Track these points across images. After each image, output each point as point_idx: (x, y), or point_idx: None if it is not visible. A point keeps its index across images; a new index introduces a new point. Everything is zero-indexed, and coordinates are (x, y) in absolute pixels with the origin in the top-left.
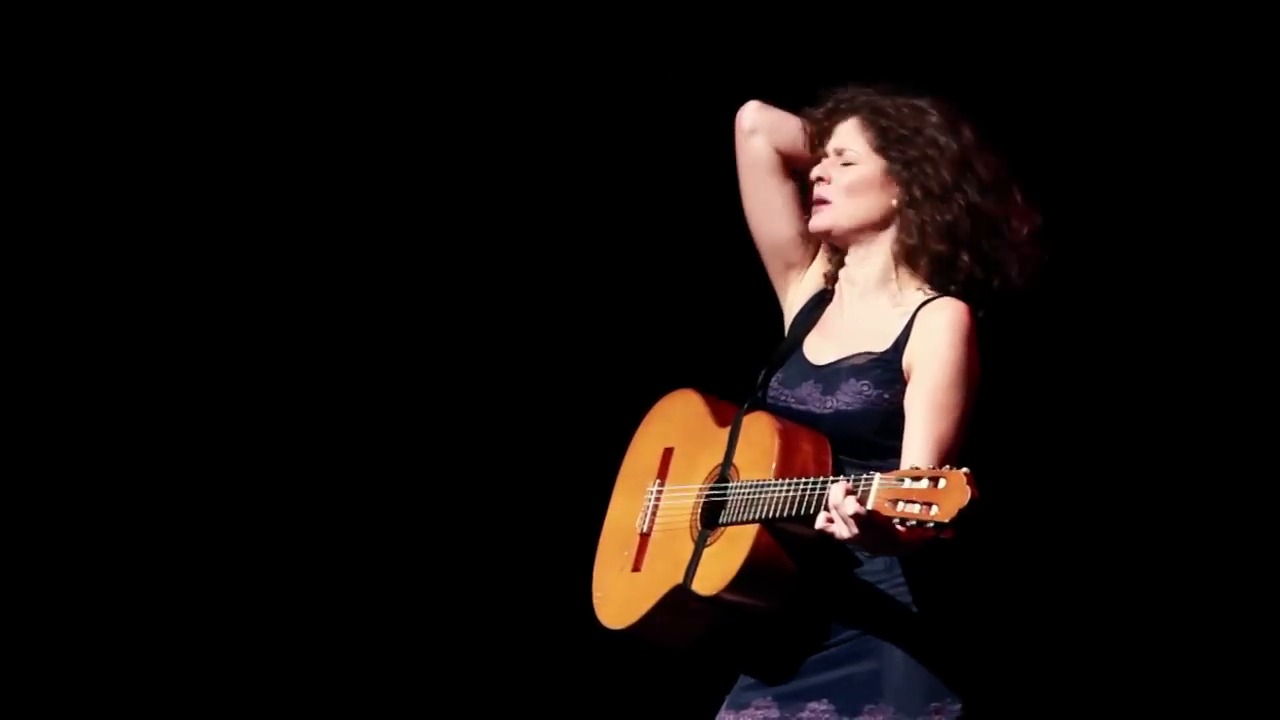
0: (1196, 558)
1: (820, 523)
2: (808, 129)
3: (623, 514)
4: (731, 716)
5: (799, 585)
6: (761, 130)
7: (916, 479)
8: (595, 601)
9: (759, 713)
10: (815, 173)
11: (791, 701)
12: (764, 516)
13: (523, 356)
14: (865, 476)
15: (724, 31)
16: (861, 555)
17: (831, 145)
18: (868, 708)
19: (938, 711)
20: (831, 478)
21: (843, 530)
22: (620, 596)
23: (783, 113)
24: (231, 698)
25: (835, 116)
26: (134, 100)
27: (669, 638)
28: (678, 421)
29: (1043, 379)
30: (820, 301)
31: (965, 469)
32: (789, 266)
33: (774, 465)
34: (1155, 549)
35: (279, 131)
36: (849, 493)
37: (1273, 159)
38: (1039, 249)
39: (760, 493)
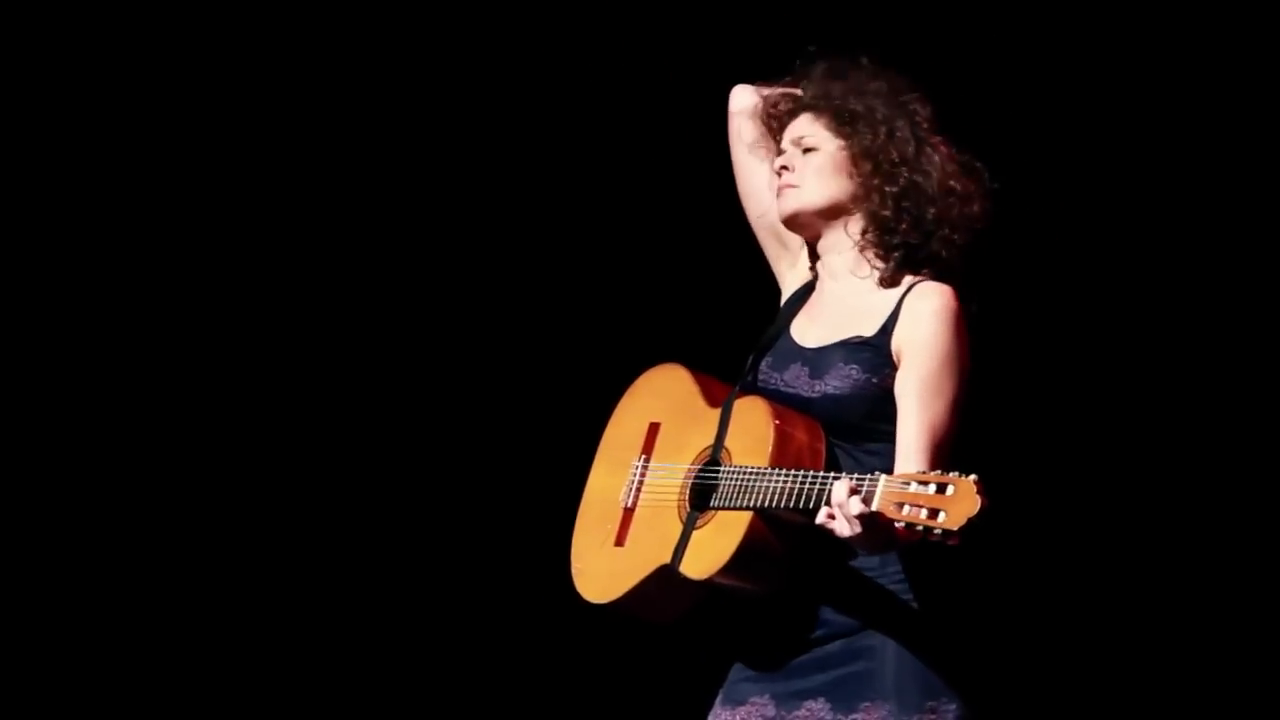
0: (1192, 554)
1: (821, 518)
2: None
3: (604, 486)
4: (727, 712)
5: (790, 573)
6: (747, 109)
7: (924, 483)
8: (575, 573)
9: (755, 710)
10: (778, 163)
11: (788, 700)
12: (758, 505)
13: (508, 333)
14: (870, 477)
15: (716, 23)
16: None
17: (789, 137)
18: (864, 705)
19: (933, 710)
20: (833, 474)
21: (844, 528)
22: (602, 571)
23: (768, 92)
24: (223, 687)
25: (789, 115)
26: (134, 100)
27: (651, 613)
28: (665, 397)
29: (1037, 374)
30: (810, 287)
31: (974, 476)
32: (783, 247)
33: (769, 452)
34: (1151, 546)
35: (277, 130)
36: (853, 492)
37: (1273, 157)
38: (981, 215)
39: (755, 480)
